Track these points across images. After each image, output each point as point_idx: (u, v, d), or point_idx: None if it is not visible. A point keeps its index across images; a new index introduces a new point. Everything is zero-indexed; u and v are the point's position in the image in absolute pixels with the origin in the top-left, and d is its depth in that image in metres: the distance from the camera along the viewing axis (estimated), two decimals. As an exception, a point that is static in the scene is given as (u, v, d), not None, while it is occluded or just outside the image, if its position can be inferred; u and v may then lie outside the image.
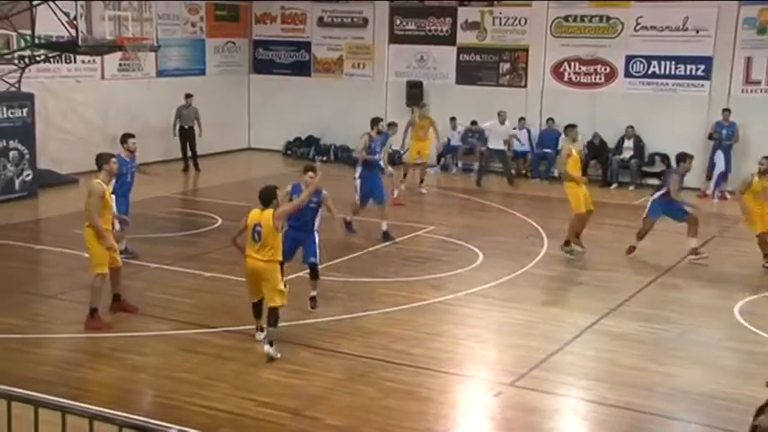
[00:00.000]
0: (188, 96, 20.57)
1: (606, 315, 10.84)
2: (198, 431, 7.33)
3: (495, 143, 19.96)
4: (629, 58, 20.18)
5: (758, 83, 19.03)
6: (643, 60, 20.05)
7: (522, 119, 20.87)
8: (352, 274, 12.38)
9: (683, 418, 8.25)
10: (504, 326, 10.64)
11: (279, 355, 9.08)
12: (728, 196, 18.61)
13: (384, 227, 14.33)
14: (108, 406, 7.43)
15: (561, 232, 15.28)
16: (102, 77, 20.25)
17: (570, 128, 14.68)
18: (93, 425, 5.05)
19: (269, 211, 9.09)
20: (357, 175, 14.58)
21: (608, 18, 20.28)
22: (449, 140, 21.74)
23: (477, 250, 13.79)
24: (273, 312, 9.10)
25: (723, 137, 18.76)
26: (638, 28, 20.02)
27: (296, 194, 10.18)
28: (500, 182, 20.36)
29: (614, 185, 20.01)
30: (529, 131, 20.96)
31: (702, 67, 19.49)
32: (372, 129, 14.70)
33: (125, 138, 12.57)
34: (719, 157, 18.84)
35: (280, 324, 9.14)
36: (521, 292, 11.84)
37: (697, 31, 19.44)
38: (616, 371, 9.13)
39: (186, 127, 20.58)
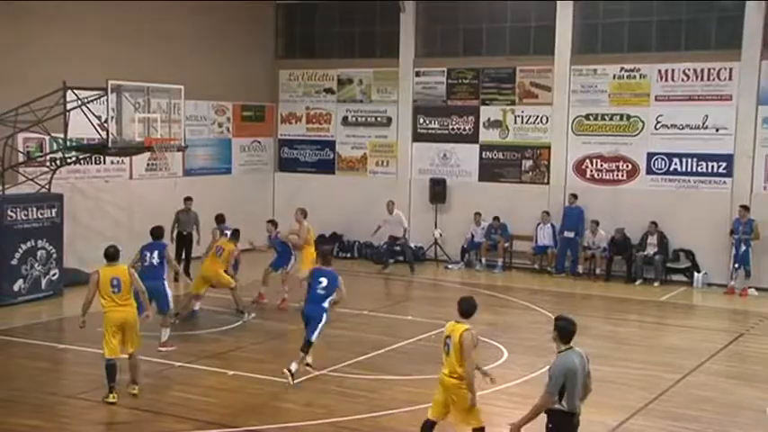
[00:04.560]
0: (187, 200, 19.52)
1: (635, 414, 10.64)
2: None
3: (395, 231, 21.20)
4: (650, 156, 20.32)
5: (779, 180, 19.08)
6: (664, 158, 20.18)
7: (545, 212, 20.98)
8: (377, 372, 12.28)
9: None
10: (531, 425, 10.42)
11: None
12: (749, 292, 18.48)
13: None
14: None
15: (585, 329, 15.13)
16: (131, 177, 20.63)
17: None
18: None
19: (461, 326, 8.47)
20: None
21: (628, 116, 20.52)
22: (472, 236, 21.81)
23: (501, 347, 13.66)
24: None
25: (740, 233, 18.68)
26: (658, 126, 20.21)
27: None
28: (520, 277, 20.33)
29: (639, 281, 19.87)
30: (553, 226, 20.96)
31: (724, 164, 19.56)
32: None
33: None
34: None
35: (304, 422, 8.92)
36: (547, 390, 11.63)
37: (717, 130, 19.61)
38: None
39: (185, 233, 19.24)
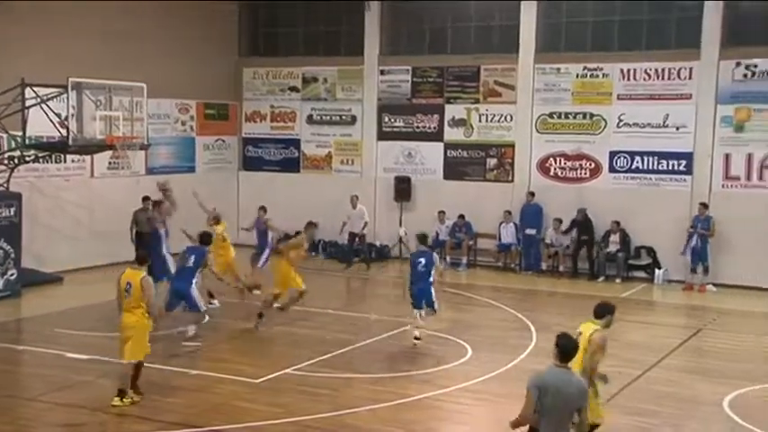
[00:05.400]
0: (145, 199, 18.49)
1: (596, 410, 10.70)
2: None
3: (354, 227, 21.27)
4: (612, 154, 20.52)
5: (737, 179, 19.33)
6: (626, 156, 20.38)
7: (507, 212, 21.07)
8: (339, 370, 12.26)
9: None
10: (494, 422, 10.48)
11: None
12: (707, 288, 18.75)
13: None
14: None
15: (550, 325, 15.25)
16: (92, 176, 20.39)
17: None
18: None
19: (593, 325, 8.67)
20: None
21: (591, 115, 20.70)
22: (437, 234, 21.84)
23: (465, 344, 13.71)
24: None
25: (698, 229, 18.94)
26: (620, 125, 20.42)
27: None
28: (484, 275, 20.45)
29: (601, 278, 20.06)
30: (516, 225, 21.08)
31: (684, 162, 19.81)
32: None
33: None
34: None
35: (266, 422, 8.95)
36: (511, 386, 11.65)
37: (677, 128, 19.86)
38: (607, 467, 8.97)
39: (144, 232, 18.08)
